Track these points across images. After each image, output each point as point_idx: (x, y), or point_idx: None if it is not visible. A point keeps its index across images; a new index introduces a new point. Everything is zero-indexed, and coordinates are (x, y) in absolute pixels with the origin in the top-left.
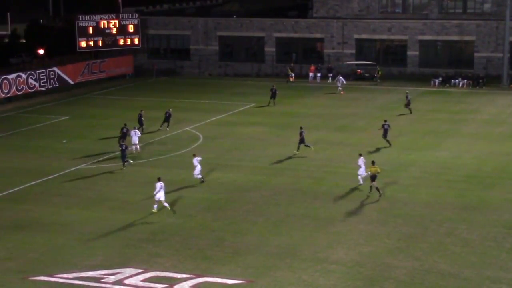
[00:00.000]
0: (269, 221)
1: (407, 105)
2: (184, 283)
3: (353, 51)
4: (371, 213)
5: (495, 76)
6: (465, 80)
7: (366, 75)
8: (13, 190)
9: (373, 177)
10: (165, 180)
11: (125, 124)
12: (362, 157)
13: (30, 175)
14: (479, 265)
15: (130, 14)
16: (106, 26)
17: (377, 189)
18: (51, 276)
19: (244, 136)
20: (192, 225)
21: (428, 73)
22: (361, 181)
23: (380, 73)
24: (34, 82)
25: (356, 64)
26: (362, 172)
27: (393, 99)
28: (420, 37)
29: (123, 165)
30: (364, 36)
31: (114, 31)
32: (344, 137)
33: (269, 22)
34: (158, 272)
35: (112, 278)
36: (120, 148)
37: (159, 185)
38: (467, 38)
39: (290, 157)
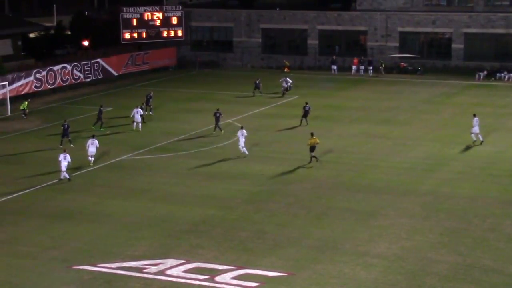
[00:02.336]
0: (310, 214)
1: None
2: (225, 274)
3: (397, 44)
4: (414, 207)
5: None
6: (511, 74)
7: (409, 68)
8: (58, 180)
9: (312, 148)
10: (206, 172)
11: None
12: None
13: (73, 165)
14: None
15: (174, 6)
16: (150, 18)
17: (315, 157)
18: (94, 265)
19: (287, 129)
20: (234, 217)
21: (472, 66)
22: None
23: (383, 65)
24: (79, 73)
25: (400, 57)
26: None
27: (437, 93)
28: (465, 30)
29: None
30: (408, 29)
31: (158, 23)
32: (387, 130)
33: (312, 14)
34: (199, 263)
35: (154, 269)
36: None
37: (239, 133)
38: None
39: (331, 150)
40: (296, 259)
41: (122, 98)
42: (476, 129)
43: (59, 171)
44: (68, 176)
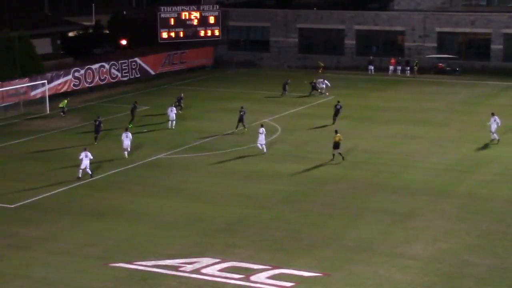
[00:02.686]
0: (346, 214)
1: None
2: (260, 274)
3: (435, 44)
4: (450, 209)
5: None
6: None
7: (447, 69)
8: (95, 178)
9: (336, 145)
10: (242, 171)
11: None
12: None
13: (111, 163)
14: None
15: (211, 6)
16: (187, 18)
17: (340, 154)
18: (130, 263)
19: (323, 129)
20: (269, 217)
21: None
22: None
23: (417, 65)
24: (116, 72)
25: (438, 58)
26: None
27: (475, 94)
28: (505, 31)
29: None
30: (446, 29)
31: (195, 22)
32: (424, 131)
33: (349, 14)
34: (234, 263)
35: (189, 267)
36: None
37: (260, 130)
38: None
39: (367, 151)
40: (331, 259)
41: (158, 97)
42: (493, 128)
43: (79, 168)
44: (90, 173)
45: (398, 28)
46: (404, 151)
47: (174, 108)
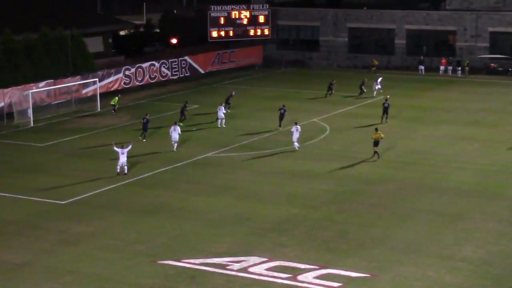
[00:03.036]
0: (394, 215)
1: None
2: (307, 273)
3: (487, 44)
4: (501, 211)
5: None
6: None
7: (499, 69)
8: (144, 175)
9: (376, 143)
10: (290, 170)
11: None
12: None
13: (160, 161)
14: None
15: (261, 5)
16: (237, 17)
17: (376, 153)
18: (179, 261)
19: (371, 129)
20: (316, 217)
21: None
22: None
23: (468, 65)
24: (166, 71)
25: (490, 58)
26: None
27: None
28: None
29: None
30: (499, 29)
31: (245, 21)
32: (475, 132)
33: (400, 14)
34: (282, 262)
35: (237, 266)
36: None
37: (294, 128)
38: None
39: (417, 152)
40: (379, 260)
41: (208, 96)
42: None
43: (116, 165)
44: (126, 171)
45: (450, 28)
46: (455, 152)
47: (223, 107)
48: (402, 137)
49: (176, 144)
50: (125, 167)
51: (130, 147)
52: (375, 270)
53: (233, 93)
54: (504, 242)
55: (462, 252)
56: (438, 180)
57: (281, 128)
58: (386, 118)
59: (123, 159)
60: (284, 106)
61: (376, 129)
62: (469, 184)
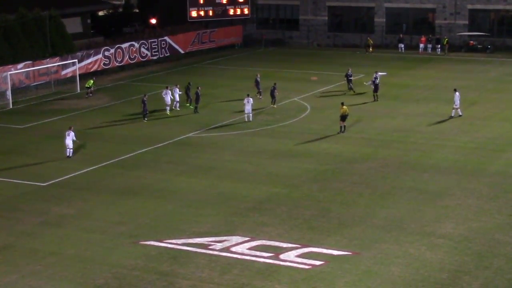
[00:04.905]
0: (375, 193)
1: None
2: (289, 252)
3: (466, 22)
4: (481, 188)
5: None
6: None
7: (478, 46)
8: (125, 156)
9: (343, 117)
10: (271, 150)
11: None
12: None
13: (140, 142)
14: None
15: None
16: None
17: (344, 127)
18: (161, 241)
19: (352, 107)
20: (298, 195)
21: None
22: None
23: (447, 43)
24: (146, 51)
25: (469, 36)
26: None
27: (507, 72)
28: None
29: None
30: (478, 7)
31: (224, 1)
32: None
33: None
34: (264, 241)
35: (219, 245)
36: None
37: (245, 100)
38: None
39: (398, 130)
40: (360, 238)
41: (188, 76)
42: (456, 103)
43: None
44: (69, 154)
45: (429, 6)
46: (435, 130)
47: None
48: (383, 115)
49: (168, 108)
50: (71, 150)
51: (72, 133)
52: (356, 248)
53: (258, 76)
54: (484, 219)
55: (443, 228)
56: (419, 157)
57: (274, 105)
58: (377, 97)
59: (68, 141)
60: (275, 84)
61: (342, 104)
62: (449, 161)
